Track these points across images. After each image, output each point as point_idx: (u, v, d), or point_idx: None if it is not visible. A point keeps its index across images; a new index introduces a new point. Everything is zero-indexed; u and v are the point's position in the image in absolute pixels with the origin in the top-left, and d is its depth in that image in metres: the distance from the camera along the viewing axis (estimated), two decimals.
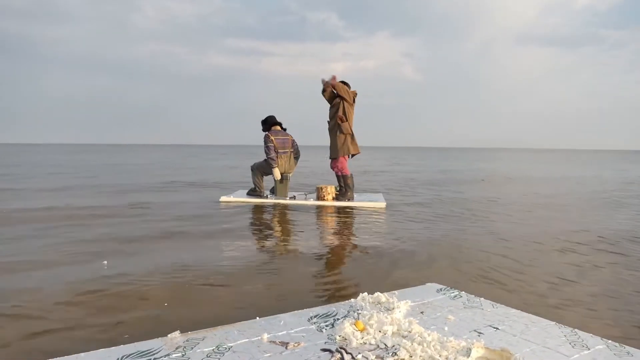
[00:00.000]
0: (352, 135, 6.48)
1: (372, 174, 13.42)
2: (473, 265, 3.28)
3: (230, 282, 2.78)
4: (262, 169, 6.71)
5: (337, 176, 6.60)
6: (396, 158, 29.50)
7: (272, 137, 6.54)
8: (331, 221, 5.16)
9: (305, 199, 6.55)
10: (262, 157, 6.83)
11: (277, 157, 6.51)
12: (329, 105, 6.67)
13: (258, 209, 5.90)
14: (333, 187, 6.57)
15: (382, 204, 6.33)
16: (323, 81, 6.55)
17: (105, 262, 3.18)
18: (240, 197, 6.69)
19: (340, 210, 5.87)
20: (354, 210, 5.89)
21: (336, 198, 6.46)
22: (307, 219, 5.23)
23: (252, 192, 6.79)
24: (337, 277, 3.00)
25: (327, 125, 6.65)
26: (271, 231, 4.58)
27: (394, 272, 3.08)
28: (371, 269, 3.16)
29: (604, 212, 6.22)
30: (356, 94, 6.54)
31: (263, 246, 3.87)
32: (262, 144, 6.62)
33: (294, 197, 6.58)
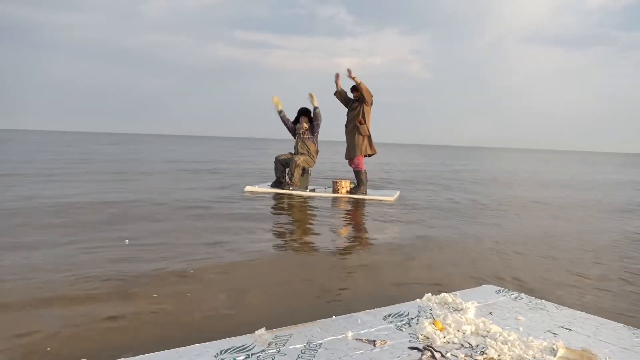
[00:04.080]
0: (370, 137, 6.74)
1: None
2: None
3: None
4: (306, 163, 7.02)
5: (355, 171, 6.89)
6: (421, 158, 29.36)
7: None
8: (344, 211, 5.60)
9: (325, 191, 6.97)
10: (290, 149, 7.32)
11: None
12: (340, 104, 6.94)
13: (289, 200, 6.15)
14: (348, 181, 6.98)
15: (391, 198, 6.71)
16: (337, 75, 6.79)
17: (127, 240, 3.43)
18: (264, 188, 7.01)
19: (352, 201, 6.39)
20: (365, 202, 6.40)
21: (350, 191, 6.83)
22: (326, 208, 5.68)
23: (282, 184, 6.95)
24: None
25: (338, 125, 7.07)
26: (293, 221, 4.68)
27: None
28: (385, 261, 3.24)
29: None
30: (372, 95, 6.76)
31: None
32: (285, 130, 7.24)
33: (313, 190, 6.96)
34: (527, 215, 5.93)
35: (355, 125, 6.68)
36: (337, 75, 6.79)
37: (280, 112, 7.13)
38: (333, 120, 7.37)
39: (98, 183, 7.15)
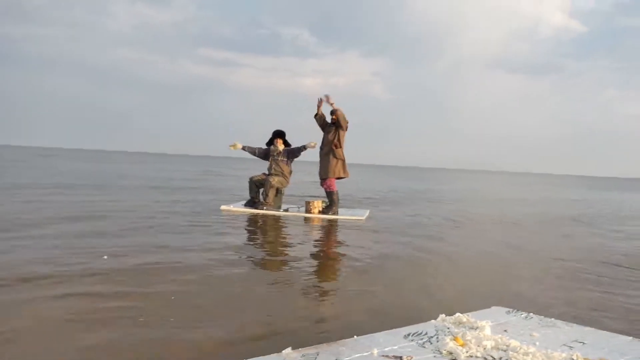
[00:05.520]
0: (344, 161, 7.09)
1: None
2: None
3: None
4: (280, 184, 7.24)
5: (327, 192, 7.16)
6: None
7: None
8: (316, 231, 5.92)
9: (298, 211, 7.18)
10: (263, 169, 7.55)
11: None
12: (316, 126, 7.31)
13: (266, 220, 6.37)
14: (320, 201, 7.23)
15: (362, 217, 7.03)
16: (320, 100, 7.05)
17: (106, 257, 3.59)
18: (239, 208, 7.21)
19: (325, 221, 6.68)
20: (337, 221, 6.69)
21: (323, 211, 7.08)
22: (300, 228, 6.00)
23: (256, 204, 7.19)
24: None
25: (311, 148, 7.35)
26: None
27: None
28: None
29: None
30: (348, 122, 7.13)
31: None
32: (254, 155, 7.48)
33: (287, 210, 7.20)
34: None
35: (330, 149, 7.02)
36: (320, 100, 7.10)
37: (243, 149, 7.39)
38: (306, 141, 7.67)
39: None
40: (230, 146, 7.34)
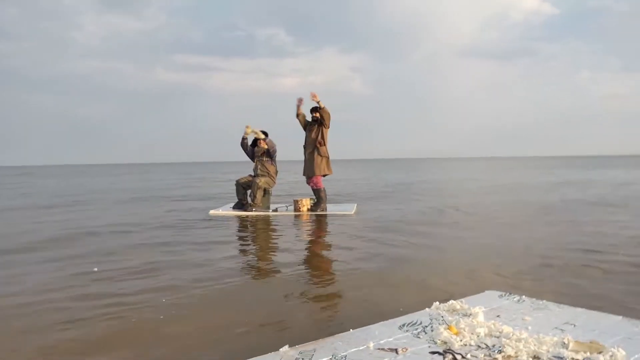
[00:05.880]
0: (328, 158, 7.23)
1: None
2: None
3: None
4: (267, 185, 7.31)
5: (313, 190, 7.26)
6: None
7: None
8: (307, 228, 6.01)
9: (287, 210, 7.29)
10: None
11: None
12: (298, 126, 7.43)
13: (259, 221, 6.44)
14: (308, 199, 7.37)
15: (351, 212, 7.15)
16: (299, 100, 7.07)
17: (96, 268, 3.62)
18: (228, 211, 7.23)
19: (315, 218, 6.79)
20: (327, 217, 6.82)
21: (311, 209, 7.22)
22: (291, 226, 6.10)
23: (245, 206, 7.25)
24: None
25: (296, 145, 7.43)
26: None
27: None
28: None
29: None
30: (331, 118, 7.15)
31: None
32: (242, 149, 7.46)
33: (275, 210, 7.29)
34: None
35: (315, 147, 7.09)
36: (299, 100, 7.16)
37: (244, 139, 7.37)
38: (290, 140, 7.77)
39: None
40: (246, 127, 7.28)
